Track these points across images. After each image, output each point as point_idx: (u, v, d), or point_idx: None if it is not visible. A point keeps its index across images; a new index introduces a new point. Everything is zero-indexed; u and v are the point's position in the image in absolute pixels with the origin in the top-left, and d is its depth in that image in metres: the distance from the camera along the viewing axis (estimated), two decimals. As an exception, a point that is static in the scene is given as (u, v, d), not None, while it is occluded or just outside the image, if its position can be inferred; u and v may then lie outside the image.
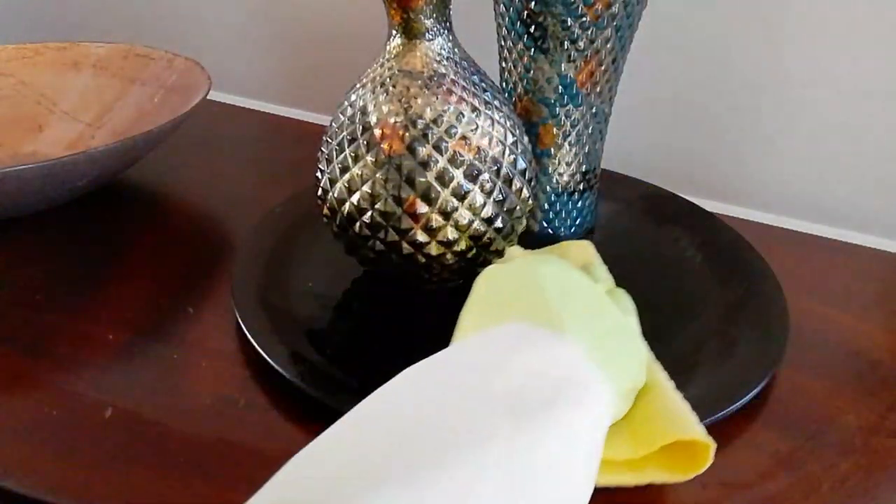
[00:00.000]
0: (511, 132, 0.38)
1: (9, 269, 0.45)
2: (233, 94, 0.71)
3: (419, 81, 0.36)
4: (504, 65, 0.45)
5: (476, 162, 0.36)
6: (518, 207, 0.38)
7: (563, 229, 0.47)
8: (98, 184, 0.49)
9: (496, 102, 0.38)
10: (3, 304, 0.41)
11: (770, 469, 0.32)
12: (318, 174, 0.39)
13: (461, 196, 0.36)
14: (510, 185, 0.37)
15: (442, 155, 0.35)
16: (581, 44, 0.41)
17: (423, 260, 0.37)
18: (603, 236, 0.49)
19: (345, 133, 0.37)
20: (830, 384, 0.37)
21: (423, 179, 0.36)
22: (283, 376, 0.34)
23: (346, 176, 0.37)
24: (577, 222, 0.48)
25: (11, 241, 0.47)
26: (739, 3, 0.52)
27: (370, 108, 0.37)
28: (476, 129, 0.36)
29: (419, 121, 0.36)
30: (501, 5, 0.43)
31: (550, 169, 0.45)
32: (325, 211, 0.39)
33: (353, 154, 0.37)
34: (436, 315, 0.41)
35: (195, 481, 0.30)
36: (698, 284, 0.44)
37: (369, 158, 0.36)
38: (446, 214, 0.36)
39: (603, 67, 0.43)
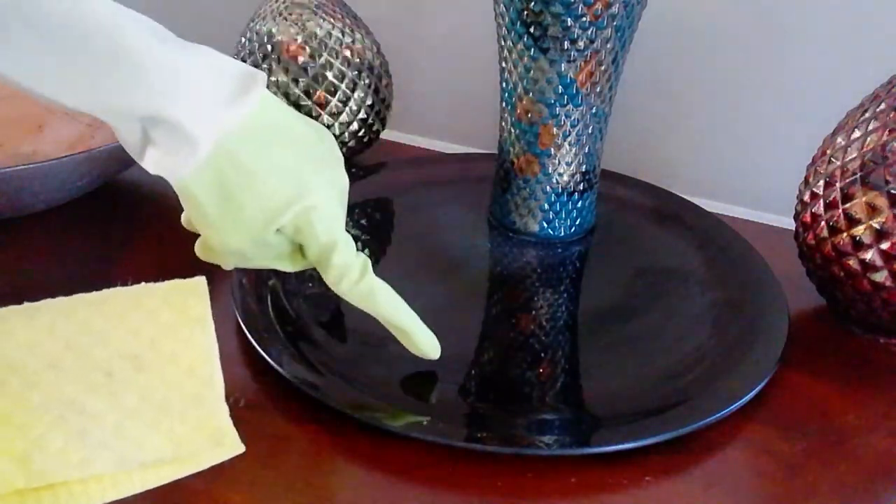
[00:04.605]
0: (372, 47, 0.53)
1: (8, 269, 0.44)
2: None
3: (308, 9, 0.51)
4: (504, 65, 0.45)
5: (357, 62, 0.51)
6: (385, 97, 0.54)
7: (563, 229, 0.47)
8: (98, 184, 0.49)
9: (357, 23, 0.53)
10: (3, 305, 0.41)
11: (770, 469, 0.32)
12: None
13: (352, 88, 0.51)
14: (380, 80, 0.53)
15: (336, 59, 0.50)
16: (581, 44, 0.41)
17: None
18: (603, 236, 0.49)
19: (257, 52, 0.51)
20: (830, 384, 0.37)
21: (324, 78, 0.50)
22: (283, 376, 0.34)
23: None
24: (577, 222, 0.48)
25: (11, 240, 0.47)
26: (743, 3, 0.52)
27: (274, 31, 0.51)
28: (353, 40, 0.51)
29: (315, 36, 0.50)
30: (501, 5, 0.43)
31: (550, 169, 0.45)
32: None
33: (267, 66, 0.51)
34: (435, 316, 0.41)
35: (196, 481, 0.30)
36: (698, 284, 0.44)
37: (282, 67, 0.50)
38: (343, 102, 0.51)
39: (603, 67, 0.43)
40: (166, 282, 0.28)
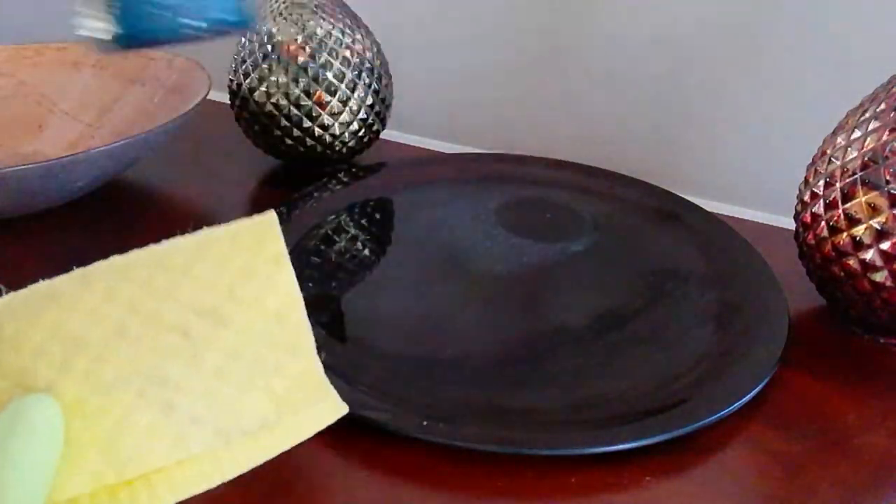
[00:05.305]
0: (372, 47, 0.54)
1: (8, 269, 0.45)
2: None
3: (308, 9, 0.52)
4: None
5: (357, 62, 0.52)
6: (385, 97, 0.55)
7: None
8: (98, 184, 0.49)
9: (357, 23, 0.53)
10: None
11: (770, 469, 0.32)
12: (235, 86, 0.53)
13: (352, 88, 0.52)
14: (380, 81, 0.54)
15: (336, 59, 0.51)
16: None
17: (329, 139, 0.53)
18: (603, 236, 0.49)
19: (257, 52, 0.52)
20: (830, 384, 0.37)
21: (324, 77, 0.51)
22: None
23: (265, 84, 0.51)
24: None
25: (11, 240, 0.47)
26: (743, 3, 0.52)
27: (274, 31, 0.51)
28: (353, 41, 0.52)
29: (315, 36, 0.51)
30: None
31: None
32: (245, 114, 0.53)
33: (267, 66, 0.51)
34: (436, 316, 0.41)
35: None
36: (698, 284, 0.44)
37: (282, 67, 0.51)
38: (343, 102, 0.52)
39: None
40: (231, 223, 0.23)
